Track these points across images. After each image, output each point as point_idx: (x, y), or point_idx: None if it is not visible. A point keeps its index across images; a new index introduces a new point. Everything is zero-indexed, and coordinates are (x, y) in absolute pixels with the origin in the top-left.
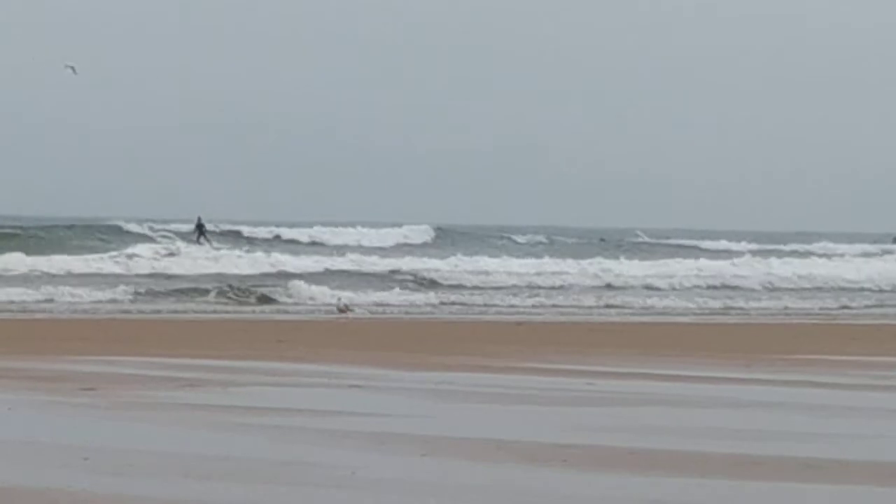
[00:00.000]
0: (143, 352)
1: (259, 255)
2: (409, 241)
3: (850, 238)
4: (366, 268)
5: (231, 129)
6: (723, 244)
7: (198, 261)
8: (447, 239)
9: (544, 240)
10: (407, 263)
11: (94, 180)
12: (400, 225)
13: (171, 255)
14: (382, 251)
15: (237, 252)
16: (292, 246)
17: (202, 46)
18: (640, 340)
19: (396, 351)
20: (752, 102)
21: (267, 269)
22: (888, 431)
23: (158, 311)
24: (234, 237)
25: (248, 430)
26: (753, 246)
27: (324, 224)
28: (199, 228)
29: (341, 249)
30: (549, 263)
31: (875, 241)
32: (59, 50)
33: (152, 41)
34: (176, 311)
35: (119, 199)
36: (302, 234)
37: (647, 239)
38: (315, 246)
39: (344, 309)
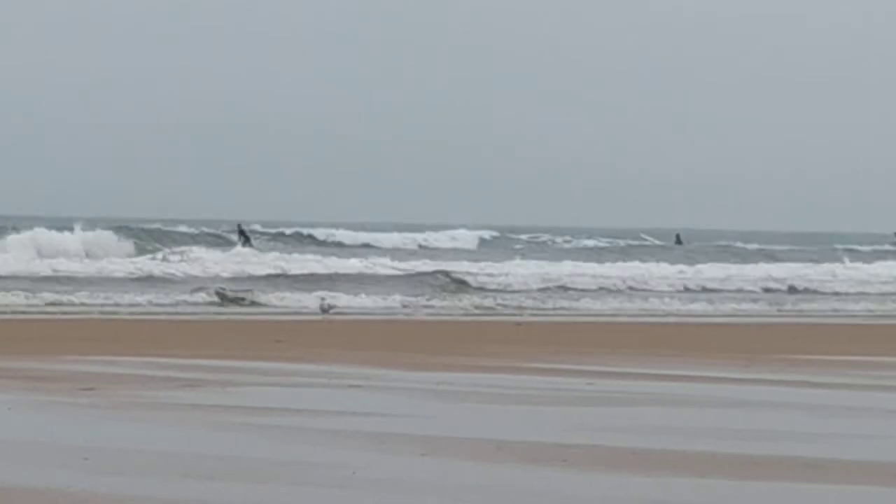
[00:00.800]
0: (143, 352)
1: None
2: (459, 245)
3: (858, 239)
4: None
5: (231, 129)
6: (755, 246)
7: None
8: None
9: (598, 242)
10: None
11: (94, 180)
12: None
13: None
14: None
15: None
16: (340, 249)
17: (202, 46)
18: (639, 340)
19: (396, 351)
20: (751, 102)
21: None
22: (889, 432)
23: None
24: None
25: (247, 430)
26: (790, 247)
27: (325, 225)
28: (243, 233)
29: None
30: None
31: (872, 242)
32: (60, 50)
33: (152, 41)
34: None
35: (119, 198)
36: (354, 238)
37: (654, 241)
38: (365, 248)
39: (327, 309)
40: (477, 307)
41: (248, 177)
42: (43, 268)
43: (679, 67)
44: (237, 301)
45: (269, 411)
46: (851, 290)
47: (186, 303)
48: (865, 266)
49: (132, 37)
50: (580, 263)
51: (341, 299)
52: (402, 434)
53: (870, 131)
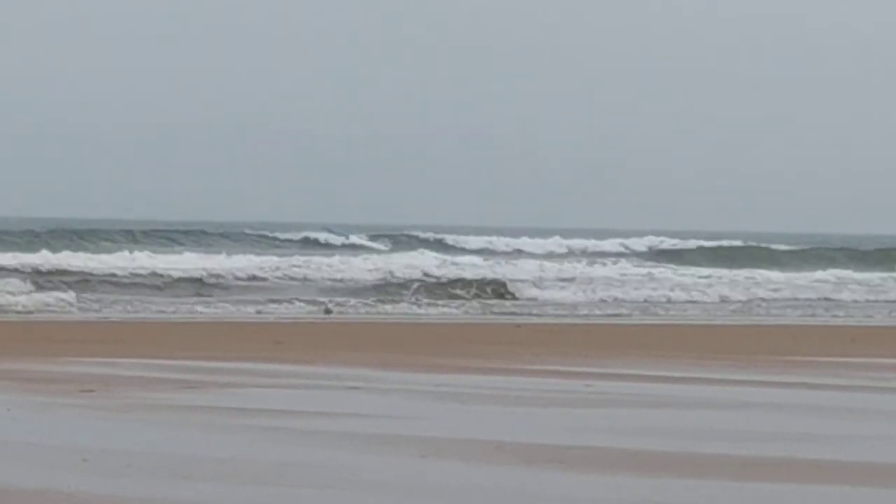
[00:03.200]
0: (142, 353)
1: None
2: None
3: (863, 240)
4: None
5: (230, 129)
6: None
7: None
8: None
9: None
10: None
11: (93, 180)
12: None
13: None
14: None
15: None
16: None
17: (202, 46)
18: (638, 341)
19: (396, 352)
20: (752, 102)
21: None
22: (889, 432)
23: None
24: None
25: (246, 431)
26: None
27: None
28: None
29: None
30: None
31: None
32: (60, 50)
33: (152, 41)
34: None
35: (119, 198)
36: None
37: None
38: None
39: (329, 311)
40: None
41: (247, 177)
42: None
43: (679, 67)
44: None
45: (269, 413)
46: None
47: None
48: None
49: (132, 37)
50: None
51: None
52: (402, 435)
53: (872, 131)
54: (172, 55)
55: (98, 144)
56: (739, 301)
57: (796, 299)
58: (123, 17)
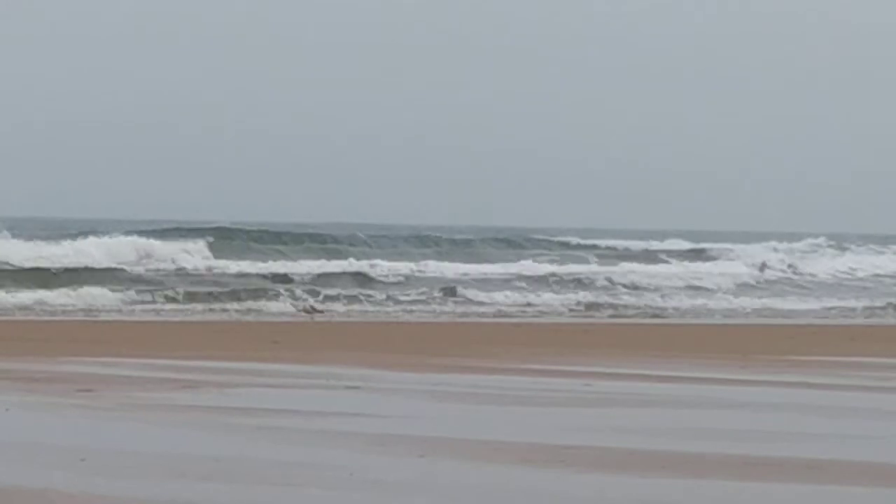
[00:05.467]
0: (140, 353)
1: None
2: None
3: (865, 239)
4: None
5: (230, 129)
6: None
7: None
8: None
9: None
10: None
11: (94, 180)
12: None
13: None
14: None
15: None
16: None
17: (202, 46)
18: (637, 341)
19: (394, 352)
20: (752, 103)
21: None
22: (888, 432)
23: None
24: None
25: (244, 431)
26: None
27: (321, 224)
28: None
29: None
30: None
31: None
32: (60, 50)
33: (152, 41)
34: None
35: (118, 198)
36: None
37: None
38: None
39: (310, 310)
40: None
41: (243, 177)
42: None
43: (679, 67)
44: None
45: (267, 412)
46: None
47: None
48: None
49: (132, 37)
50: None
51: None
52: (400, 435)
53: (873, 130)
54: (172, 55)
55: (98, 144)
56: None
57: None
58: (123, 18)
